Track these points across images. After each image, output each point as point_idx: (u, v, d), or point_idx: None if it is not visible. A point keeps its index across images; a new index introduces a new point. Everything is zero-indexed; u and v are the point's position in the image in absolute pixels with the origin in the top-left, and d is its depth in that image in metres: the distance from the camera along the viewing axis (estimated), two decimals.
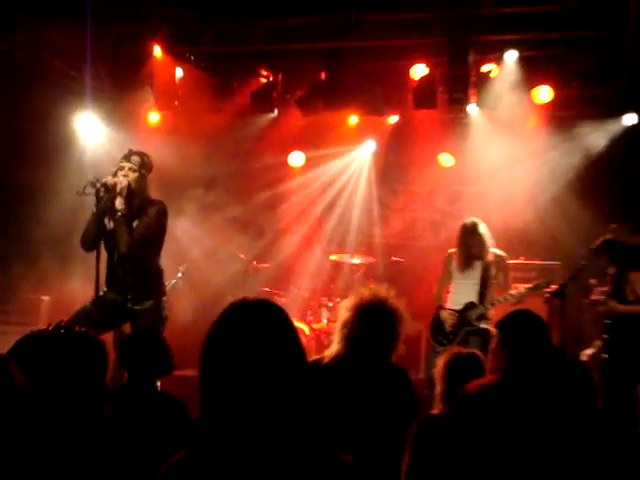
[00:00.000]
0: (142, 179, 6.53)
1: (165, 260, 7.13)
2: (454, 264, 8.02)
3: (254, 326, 2.20)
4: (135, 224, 6.44)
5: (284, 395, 2.15)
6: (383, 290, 4.32)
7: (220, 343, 2.20)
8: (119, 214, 6.35)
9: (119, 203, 6.35)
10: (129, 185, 6.39)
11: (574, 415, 3.77)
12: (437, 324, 8.01)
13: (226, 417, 2.13)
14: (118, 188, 6.33)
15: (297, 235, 11.31)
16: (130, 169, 6.46)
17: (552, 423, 3.64)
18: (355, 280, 10.19)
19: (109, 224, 6.42)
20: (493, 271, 7.93)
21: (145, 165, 6.58)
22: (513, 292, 7.93)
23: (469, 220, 8.08)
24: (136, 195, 6.47)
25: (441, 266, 8.23)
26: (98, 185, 6.20)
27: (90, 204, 6.36)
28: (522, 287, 8.08)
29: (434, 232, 10.85)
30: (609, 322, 7.16)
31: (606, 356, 6.99)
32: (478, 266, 7.91)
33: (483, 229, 7.93)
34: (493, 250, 7.96)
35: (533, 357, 3.83)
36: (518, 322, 4.21)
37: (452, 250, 8.13)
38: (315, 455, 2.16)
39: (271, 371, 2.15)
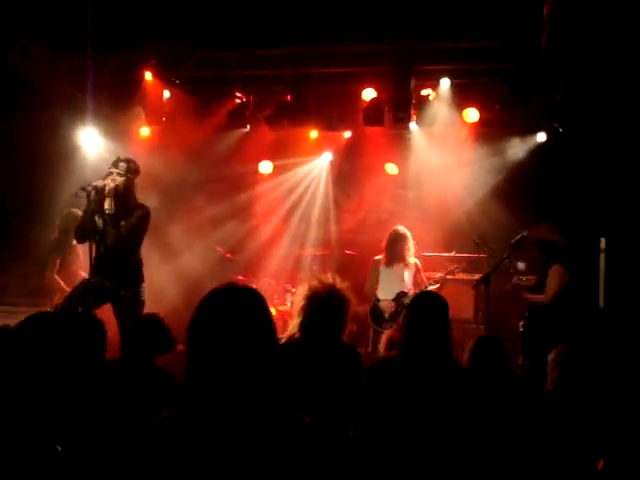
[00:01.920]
0: (129, 182, 6.62)
1: (154, 252, 7.20)
2: (382, 265, 8.34)
3: (238, 306, 2.22)
4: (122, 223, 6.55)
5: (257, 366, 2.17)
6: (329, 278, 4.21)
7: (206, 320, 2.20)
8: (107, 213, 6.47)
9: (107, 204, 6.45)
10: (116, 188, 6.48)
11: (468, 380, 3.97)
12: (377, 314, 8.24)
13: (206, 382, 2.14)
14: (106, 190, 6.43)
15: (266, 231, 11.32)
16: (117, 174, 6.54)
17: (443, 386, 3.82)
18: (314, 269, 10.33)
19: (99, 222, 6.50)
20: (413, 270, 8.32)
21: (131, 170, 6.65)
22: (436, 277, 8.27)
23: (400, 227, 8.40)
24: (123, 196, 6.56)
25: (370, 269, 8.51)
26: (89, 188, 6.29)
27: (83, 204, 6.48)
28: (439, 273, 8.57)
29: (381, 229, 10.85)
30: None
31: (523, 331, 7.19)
32: (402, 266, 8.27)
33: (410, 240, 8.33)
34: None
35: (428, 332, 3.91)
36: (420, 302, 4.17)
37: (378, 257, 8.47)
38: (279, 415, 2.18)
39: (248, 345, 2.17)
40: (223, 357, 2.15)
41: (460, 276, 9.05)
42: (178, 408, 2.18)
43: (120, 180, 6.54)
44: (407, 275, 8.29)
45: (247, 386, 2.15)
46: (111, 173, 6.56)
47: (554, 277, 7.15)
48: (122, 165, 6.62)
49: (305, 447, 2.17)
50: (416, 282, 8.32)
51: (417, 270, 8.38)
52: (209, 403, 2.13)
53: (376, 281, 8.36)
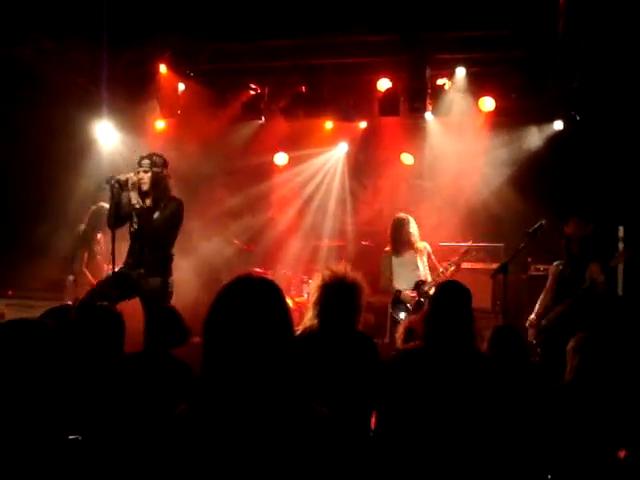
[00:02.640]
0: (156, 176, 6.64)
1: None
2: (392, 256, 8.20)
3: (254, 298, 2.20)
4: (155, 216, 6.61)
5: (274, 357, 2.15)
6: (342, 268, 4.18)
7: (223, 312, 2.20)
8: (136, 207, 6.55)
9: (133, 198, 6.54)
10: (140, 181, 6.55)
11: (490, 369, 3.95)
12: (399, 305, 8.17)
13: (223, 375, 2.13)
14: (129, 184, 6.51)
15: (282, 223, 11.35)
16: (143, 171, 6.61)
17: (469, 377, 3.80)
18: (331, 260, 10.30)
19: (133, 215, 6.63)
20: (425, 256, 8.17)
21: (156, 164, 6.67)
22: (450, 261, 8.21)
23: (400, 214, 8.32)
24: (152, 190, 6.63)
25: (381, 262, 8.38)
26: (112, 182, 6.39)
27: (107, 197, 6.60)
28: (453, 259, 8.34)
29: None
30: None
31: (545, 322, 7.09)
32: (412, 253, 8.13)
33: (412, 223, 8.19)
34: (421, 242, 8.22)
35: (452, 323, 3.89)
36: (444, 292, 4.16)
37: (387, 248, 8.31)
38: (296, 407, 2.16)
39: (265, 337, 2.15)
40: (240, 349, 2.13)
41: (478, 265, 8.99)
42: (196, 401, 2.17)
43: (145, 175, 6.60)
44: (419, 261, 8.16)
45: (264, 378, 2.13)
46: (138, 172, 6.64)
47: (599, 272, 6.89)
48: (145, 162, 6.66)
49: (324, 439, 2.15)
50: (430, 267, 8.23)
51: (428, 255, 8.26)
52: (227, 396, 2.12)
53: (390, 273, 8.22)
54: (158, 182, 6.67)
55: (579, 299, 6.74)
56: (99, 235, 8.82)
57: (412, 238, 8.16)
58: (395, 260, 8.19)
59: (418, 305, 7.92)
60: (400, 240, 8.17)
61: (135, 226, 6.66)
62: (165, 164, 6.78)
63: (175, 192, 6.87)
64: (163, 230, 6.66)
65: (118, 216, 6.54)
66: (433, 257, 8.36)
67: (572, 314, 6.71)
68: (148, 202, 6.66)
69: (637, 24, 7.45)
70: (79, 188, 9.13)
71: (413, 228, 8.20)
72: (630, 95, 8.62)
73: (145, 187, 6.60)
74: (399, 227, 8.20)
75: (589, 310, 6.68)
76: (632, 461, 3.75)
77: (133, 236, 6.71)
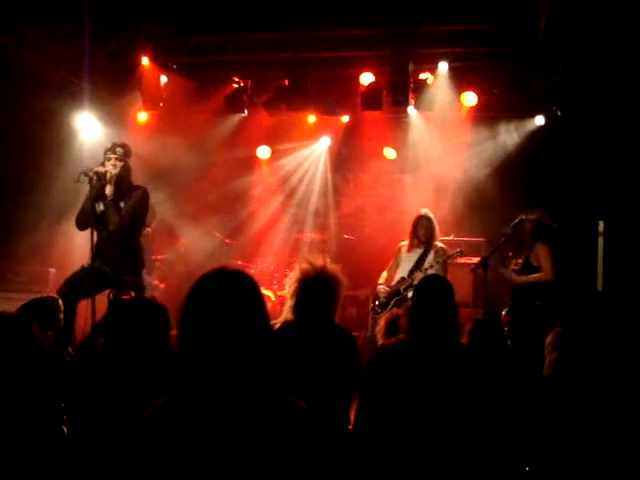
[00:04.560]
0: (127, 166, 6.60)
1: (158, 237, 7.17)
2: (403, 251, 7.89)
3: (227, 291, 2.18)
4: (122, 205, 6.51)
5: (248, 350, 2.13)
6: (320, 260, 4.16)
7: (196, 305, 2.18)
8: (109, 199, 6.44)
9: (108, 190, 6.43)
10: (118, 174, 6.47)
11: (471, 361, 3.95)
12: (375, 297, 8.07)
13: (198, 368, 2.12)
14: (108, 176, 6.42)
15: (264, 216, 11.33)
16: (116, 159, 6.52)
17: (453, 370, 3.81)
18: (313, 254, 10.27)
19: (99, 207, 6.46)
20: (432, 256, 7.73)
21: (127, 153, 6.64)
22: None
23: (423, 210, 7.94)
24: (123, 181, 6.54)
25: (393, 254, 8.06)
26: (90, 174, 6.23)
27: (84, 190, 6.42)
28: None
29: (379, 214, 10.83)
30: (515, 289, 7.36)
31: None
32: (422, 251, 7.78)
33: (434, 220, 7.83)
34: (439, 243, 7.84)
35: (435, 316, 3.87)
36: (426, 286, 4.12)
37: (404, 243, 7.97)
38: (273, 400, 2.16)
39: (240, 329, 2.14)
40: (214, 342, 2.12)
41: (459, 260, 8.99)
42: (172, 394, 2.16)
43: (119, 165, 6.52)
44: (428, 259, 7.74)
45: (240, 370, 2.12)
46: (109, 159, 6.53)
47: (545, 255, 7.03)
48: (119, 150, 6.59)
49: (300, 431, 2.15)
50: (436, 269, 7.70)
51: (437, 257, 7.74)
52: (202, 389, 2.11)
53: (395, 267, 7.94)
54: (129, 172, 6.63)
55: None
56: None
57: (426, 238, 7.77)
58: (404, 256, 7.92)
59: (384, 304, 7.77)
60: (414, 237, 7.82)
61: (102, 219, 6.49)
62: (131, 154, 6.74)
63: (153, 184, 6.82)
64: (130, 220, 6.53)
65: (91, 213, 6.36)
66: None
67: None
68: (114, 192, 6.53)
69: (618, 20, 7.48)
70: (61, 180, 9.04)
71: (430, 227, 7.80)
72: (611, 90, 8.66)
73: (119, 177, 6.50)
74: (416, 225, 7.81)
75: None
76: (611, 454, 3.77)
77: (100, 229, 6.51)
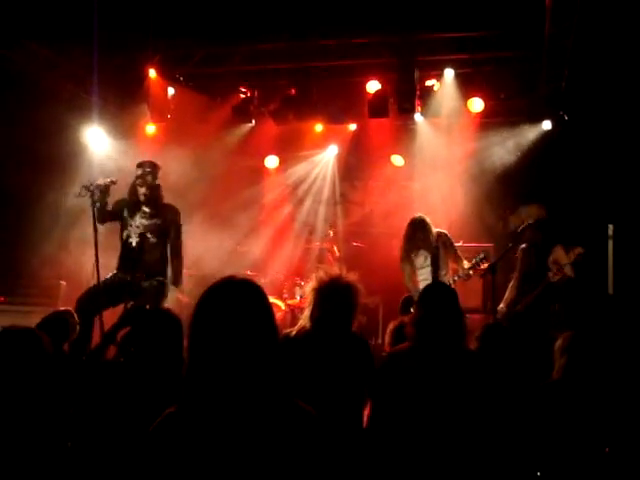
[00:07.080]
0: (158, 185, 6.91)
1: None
2: (412, 256, 7.67)
3: (235, 300, 2.20)
4: (156, 221, 6.80)
5: (257, 358, 2.15)
6: (336, 270, 4.20)
7: (206, 314, 2.20)
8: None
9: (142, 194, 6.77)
10: (156, 193, 6.82)
11: (479, 366, 3.97)
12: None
13: (208, 377, 2.13)
14: (109, 189, 6.59)
15: (273, 225, 11.34)
16: (151, 177, 6.84)
17: (461, 377, 3.82)
18: (322, 262, 10.28)
19: (129, 218, 6.75)
20: (442, 252, 7.59)
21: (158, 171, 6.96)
22: (460, 273, 7.47)
23: (416, 215, 7.73)
24: (154, 196, 6.81)
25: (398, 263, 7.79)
26: (92, 187, 6.36)
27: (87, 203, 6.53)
28: (466, 266, 7.56)
29: (387, 221, 10.89)
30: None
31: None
32: (428, 253, 7.58)
33: (429, 222, 7.60)
34: (435, 230, 7.63)
35: (441, 324, 3.88)
36: (429, 294, 4.15)
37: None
38: (281, 406, 2.16)
39: (247, 338, 2.15)
40: (223, 351, 2.14)
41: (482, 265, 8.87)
42: (183, 403, 2.17)
43: (150, 181, 6.85)
44: (439, 258, 7.58)
45: (248, 379, 2.13)
46: (140, 176, 6.83)
47: (562, 254, 6.97)
48: (150, 170, 6.89)
49: (309, 435, 2.16)
50: (450, 263, 7.64)
51: (445, 246, 7.62)
52: (212, 398, 2.13)
53: (413, 274, 7.66)
54: (159, 189, 6.90)
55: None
56: None
57: (427, 241, 7.57)
58: (415, 260, 7.67)
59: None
60: (413, 243, 7.63)
61: (136, 230, 6.75)
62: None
63: (163, 196, 6.97)
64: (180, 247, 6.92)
65: (103, 220, 6.66)
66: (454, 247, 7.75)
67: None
68: (148, 208, 6.81)
69: (622, 24, 7.51)
70: (71, 193, 9.09)
71: (427, 232, 7.56)
72: (618, 94, 8.67)
73: (147, 194, 6.78)
74: (413, 231, 7.62)
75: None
76: (619, 458, 3.79)
77: (127, 238, 6.77)
